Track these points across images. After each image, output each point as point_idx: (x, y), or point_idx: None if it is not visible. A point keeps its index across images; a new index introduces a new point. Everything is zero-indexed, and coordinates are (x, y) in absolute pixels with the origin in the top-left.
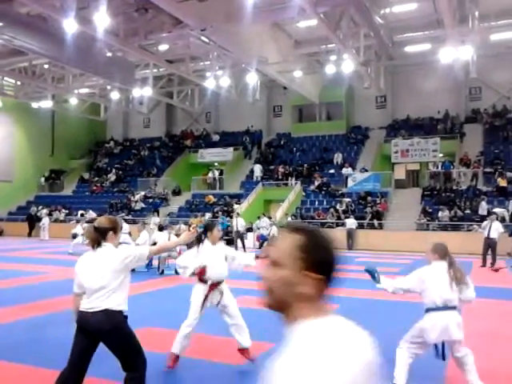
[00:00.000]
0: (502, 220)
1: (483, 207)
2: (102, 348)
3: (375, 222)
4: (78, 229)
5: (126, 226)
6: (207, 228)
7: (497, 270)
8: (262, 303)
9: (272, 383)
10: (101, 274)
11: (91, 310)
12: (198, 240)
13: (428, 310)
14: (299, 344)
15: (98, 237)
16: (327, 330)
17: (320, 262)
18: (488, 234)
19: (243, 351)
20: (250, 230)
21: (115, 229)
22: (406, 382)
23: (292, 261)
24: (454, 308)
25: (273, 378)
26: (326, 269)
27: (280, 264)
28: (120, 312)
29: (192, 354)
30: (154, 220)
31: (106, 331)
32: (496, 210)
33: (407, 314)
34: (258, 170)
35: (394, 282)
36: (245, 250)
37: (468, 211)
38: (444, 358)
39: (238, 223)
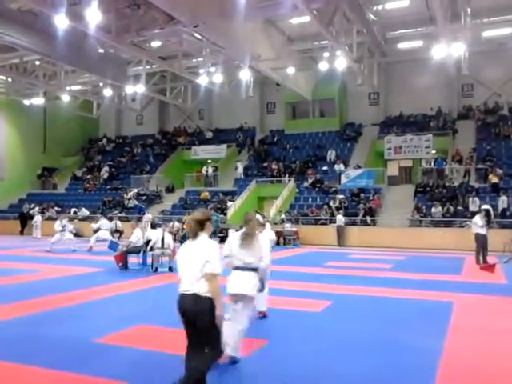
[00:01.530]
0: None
1: (476, 203)
2: (100, 349)
3: (368, 218)
4: (57, 225)
5: (106, 222)
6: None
7: (491, 269)
8: None
9: None
10: (195, 260)
11: (186, 293)
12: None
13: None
14: None
15: (198, 228)
16: None
17: None
18: (486, 232)
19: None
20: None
21: (210, 220)
22: (237, 348)
23: None
24: (252, 270)
25: None
26: None
27: None
28: (209, 298)
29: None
30: (147, 217)
31: (194, 313)
32: (484, 206)
33: (398, 310)
34: (240, 168)
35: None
36: None
37: (460, 207)
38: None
39: None
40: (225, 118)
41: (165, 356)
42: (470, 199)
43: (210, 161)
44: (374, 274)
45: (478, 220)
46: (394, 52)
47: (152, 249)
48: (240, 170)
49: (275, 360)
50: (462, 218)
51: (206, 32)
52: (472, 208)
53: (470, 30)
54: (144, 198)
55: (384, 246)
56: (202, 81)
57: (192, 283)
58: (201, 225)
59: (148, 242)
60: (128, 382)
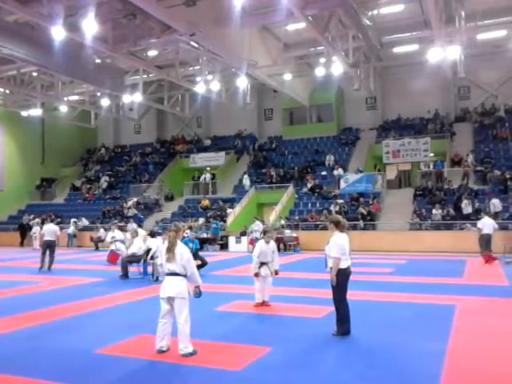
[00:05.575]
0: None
1: (467, 206)
2: (101, 359)
3: (362, 222)
4: (119, 234)
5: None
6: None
7: (493, 259)
8: None
9: None
10: (348, 246)
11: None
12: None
13: None
14: None
15: (337, 225)
16: None
17: None
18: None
19: (263, 303)
20: (243, 233)
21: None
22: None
23: None
24: (175, 275)
25: None
26: None
27: None
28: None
29: (188, 361)
30: (132, 227)
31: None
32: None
33: (400, 314)
34: (247, 180)
35: None
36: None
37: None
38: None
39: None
40: (223, 125)
41: (166, 366)
42: (464, 201)
43: (208, 168)
44: (375, 278)
45: (494, 222)
46: (390, 56)
47: (152, 258)
48: (247, 182)
49: (278, 367)
50: (462, 221)
51: (203, 40)
52: (465, 211)
53: (464, 32)
54: (143, 206)
55: (384, 250)
56: (200, 89)
57: (348, 260)
58: (336, 225)
59: (148, 250)
60: None
